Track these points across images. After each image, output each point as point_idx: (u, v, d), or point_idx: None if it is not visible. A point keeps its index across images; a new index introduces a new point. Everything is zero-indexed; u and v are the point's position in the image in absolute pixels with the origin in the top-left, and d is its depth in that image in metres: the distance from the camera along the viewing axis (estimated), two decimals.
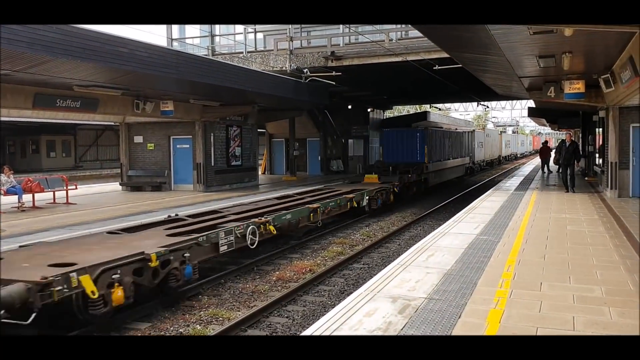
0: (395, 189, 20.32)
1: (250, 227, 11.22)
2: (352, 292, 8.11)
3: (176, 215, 12.16)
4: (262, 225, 11.61)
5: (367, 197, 17.83)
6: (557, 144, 29.46)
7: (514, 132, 78.82)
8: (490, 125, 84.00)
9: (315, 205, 14.20)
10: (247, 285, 10.31)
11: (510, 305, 5.69)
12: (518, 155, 73.36)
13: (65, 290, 6.76)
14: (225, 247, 10.48)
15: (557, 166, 19.59)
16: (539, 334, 4.86)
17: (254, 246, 11.26)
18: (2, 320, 6.02)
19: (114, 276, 7.61)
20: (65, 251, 8.36)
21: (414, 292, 6.22)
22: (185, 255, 9.10)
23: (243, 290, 10.06)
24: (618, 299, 5.85)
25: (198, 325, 8.18)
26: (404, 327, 5.07)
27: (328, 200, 15.17)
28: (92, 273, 7.21)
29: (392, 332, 4.95)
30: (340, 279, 10.81)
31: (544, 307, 5.58)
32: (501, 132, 61.10)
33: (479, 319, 5.25)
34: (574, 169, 17.30)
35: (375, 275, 7.80)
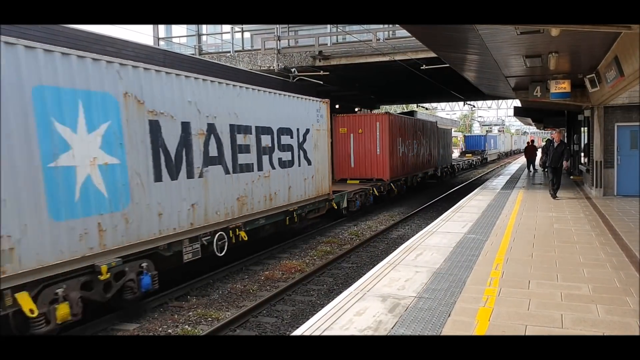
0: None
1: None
2: (341, 292, 8.12)
3: None
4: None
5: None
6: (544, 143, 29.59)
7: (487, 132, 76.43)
8: (475, 125, 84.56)
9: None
10: (236, 285, 10.29)
11: (499, 303, 5.73)
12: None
13: None
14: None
15: (544, 169, 17.49)
16: (528, 331, 4.90)
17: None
18: None
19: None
20: None
21: (403, 291, 6.25)
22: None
23: (232, 290, 10.04)
24: (605, 296, 5.91)
25: (187, 326, 8.15)
26: (394, 325, 5.09)
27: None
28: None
29: (382, 331, 4.96)
30: (329, 278, 10.82)
31: (533, 305, 5.63)
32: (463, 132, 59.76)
33: (468, 317, 5.29)
34: (561, 173, 15.25)
35: (364, 274, 7.82)
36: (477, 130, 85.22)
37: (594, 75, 12.58)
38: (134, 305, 8.57)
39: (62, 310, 6.85)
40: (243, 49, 23.89)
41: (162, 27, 26.00)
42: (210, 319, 8.45)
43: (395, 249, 9.79)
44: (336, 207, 16.12)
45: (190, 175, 9.40)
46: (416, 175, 25.15)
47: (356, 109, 34.86)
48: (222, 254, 10.21)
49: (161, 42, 25.04)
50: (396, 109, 58.73)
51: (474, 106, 57.01)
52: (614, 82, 10.60)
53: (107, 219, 7.62)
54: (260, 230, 12.33)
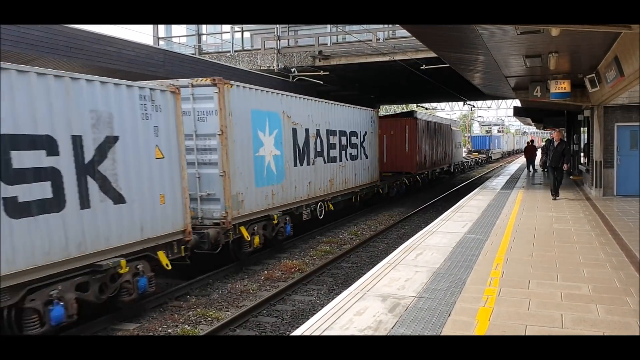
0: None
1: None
2: (341, 291, 8.12)
3: None
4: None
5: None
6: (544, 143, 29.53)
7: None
8: (475, 125, 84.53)
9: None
10: (235, 285, 10.28)
11: (499, 303, 5.73)
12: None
13: None
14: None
15: (544, 169, 17.04)
16: (528, 331, 4.90)
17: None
18: None
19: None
20: None
21: (403, 291, 6.25)
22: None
23: (232, 290, 10.03)
24: (605, 296, 5.91)
25: (187, 326, 8.15)
26: (394, 325, 5.09)
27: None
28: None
29: (382, 330, 4.96)
30: (329, 278, 10.82)
31: (533, 305, 5.63)
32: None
33: (468, 317, 5.29)
34: (562, 173, 14.99)
35: (364, 274, 7.82)
36: (476, 130, 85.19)
37: (594, 75, 12.58)
38: (278, 244, 13.11)
39: (256, 241, 11.51)
40: (243, 48, 23.89)
41: (162, 27, 26.00)
42: (210, 318, 8.45)
43: (395, 249, 9.79)
44: (380, 192, 20.40)
45: (308, 163, 14.24)
46: (434, 169, 28.80)
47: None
48: (322, 217, 15.13)
49: (161, 42, 25.04)
50: (396, 108, 58.69)
51: (473, 106, 57.00)
52: (614, 82, 10.60)
53: (275, 188, 12.48)
54: (339, 204, 16.73)
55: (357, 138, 18.16)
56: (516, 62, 11.92)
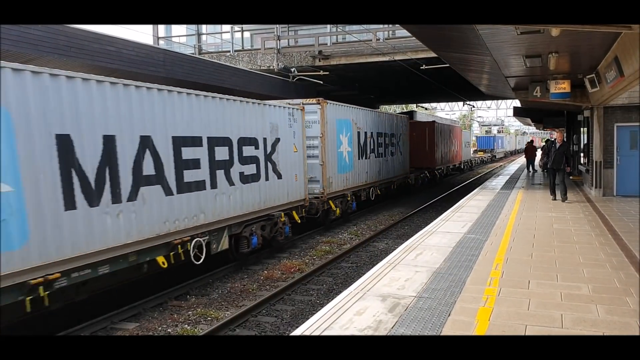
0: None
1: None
2: (340, 291, 8.12)
3: None
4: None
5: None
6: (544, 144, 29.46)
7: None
8: (475, 125, 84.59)
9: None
10: (235, 285, 10.28)
11: (499, 303, 5.73)
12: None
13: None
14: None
15: (544, 170, 16.43)
16: (528, 331, 4.90)
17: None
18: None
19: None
20: None
21: (403, 291, 6.25)
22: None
23: (231, 289, 10.03)
24: (605, 296, 5.91)
25: (186, 325, 8.15)
26: (394, 325, 5.09)
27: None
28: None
29: (382, 330, 4.96)
30: (328, 278, 10.82)
31: (533, 305, 5.63)
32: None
33: (468, 317, 5.29)
34: (564, 174, 14.53)
35: (364, 274, 7.82)
36: (476, 130, 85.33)
37: (593, 75, 12.58)
38: (347, 216, 17.74)
39: (337, 211, 16.10)
40: (243, 48, 23.88)
41: (161, 27, 25.98)
42: (209, 318, 8.45)
43: (395, 249, 9.79)
44: (409, 183, 25.13)
45: (366, 157, 18.87)
46: (449, 166, 33.67)
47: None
48: (373, 198, 19.74)
49: (161, 42, 25.03)
50: (395, 108, 58.69)
51: (473, 106, 57.09)
52: (613, 82, 10.60)
53: (348, 175, 17.06)
54: (382, 190, 21.10)
55: (395, 139, 22.95)
56: (516, 62, 11.92)
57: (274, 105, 12.52)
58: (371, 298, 5.98)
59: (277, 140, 12.53)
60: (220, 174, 10.31)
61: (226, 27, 24.72)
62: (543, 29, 8.26)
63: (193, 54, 23.08)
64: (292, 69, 21.06)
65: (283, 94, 21.03)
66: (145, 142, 8.39)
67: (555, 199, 14.63)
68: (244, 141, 11.14)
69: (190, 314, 8.68)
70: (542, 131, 70.30)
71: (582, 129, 20.58)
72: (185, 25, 24.54)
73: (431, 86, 25.29)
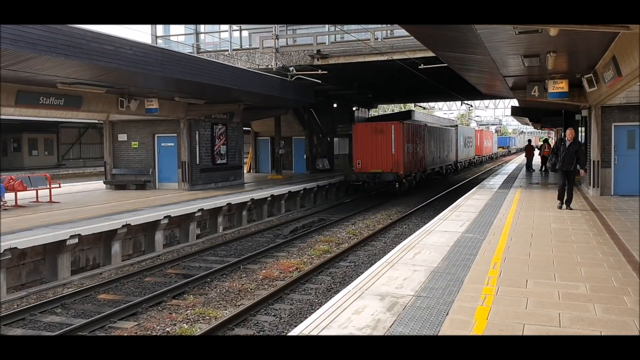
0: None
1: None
2: (339, 290, 8.13)
3: None
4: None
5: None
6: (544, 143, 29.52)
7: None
8: (473, 124, 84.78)
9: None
10: (233, 284, 10.29)
11: (497, 302, 5.75)
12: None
13: None
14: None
15: (551, 169, 14.18)
16: (526, 330, 4.92)
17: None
18: None
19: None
20: None
21: (401, 290, 6.26)
22: None
23: (229, 289, 10.04)
24: (602, 295, 5.93)
25: (185, 324, 8.16)
26: (392, 324, 5.10)
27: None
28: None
29: (381, 329, 4.97)
30: (327, 277, 10.84)
31: (530, 304, 5.65)
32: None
33: (466, 316, 5.30)
34: (574, 178, 12.84)
35: (362, 273, 7.83)
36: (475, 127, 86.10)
37: (591, 75, 12.59)
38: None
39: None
40: (241, 47, 23.87)
41: (160, 25, 25.93)
42: (208, 317, 8.46)
43: (393, 248, 9.80)
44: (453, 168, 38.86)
45: (466, 147, 42.05)
46: (473, 158, 48.22)
47: (354, 108, 34.92)
48: (466, 166, 43.35)
49: (159, 40, 25.01)
50: (393, 108, 58.72)
51: (471, 105, 57.28)
52: (611, 82, 10.62)
53: (460, 156, 40.03)
54: (464, 165, 43.10)
55: (468, 139, 40.73)
56: (514, 61, 11.94)
57: (454, 127, 33.33)
58: (369, 297, 5.99)
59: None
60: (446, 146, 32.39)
61: (224, 26, 24.71)
62: (541, 29, 8.27)
63: (191, 52, 23.06)
64: (291, 68, 21.06)
65: (282, 93, 21.06)
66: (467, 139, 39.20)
67: (562, 207, 12.69)
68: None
69: (189, 312, 8.69)
70: (540, 130, 70.69)
71: (579, 128, 20.62)
72: (183, 24, 24.52)
73: (429, 85, 25.31)
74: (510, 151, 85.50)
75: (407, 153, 23.87)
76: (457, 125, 41.87)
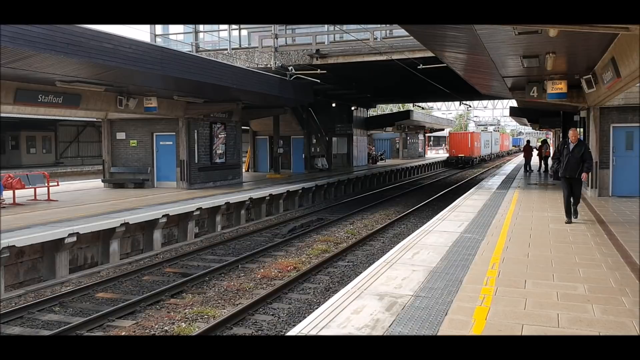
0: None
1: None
2: (337, 290, 8.14)
3: None
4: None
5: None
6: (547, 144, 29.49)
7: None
8: (471, 125, 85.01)
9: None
10: (232, 283, 10.29)
11: (496, 302, 5.76)
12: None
13: None
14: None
15: (554, 178, 11.97)
16: (524, 330, 4.93)
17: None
18: None
19: None
20: None
21: (400, 290, 6.26)
22: None
23: (228, 288, 10.04)
24: (601, 296, 5.94)
25: (183, 323, 8.15)
26: (391, 324, 5.10)
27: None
28: None
29: (379, 329, 4.98)
30: (325, 277, 10.83)
31: (529, 305, 5.66)
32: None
33: (465, 316, 5.31)
34: (580, 185, 10.97)
35: (360, 273, 7.83)
36: (472, 129, 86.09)
37: (590, 76, 12.61)
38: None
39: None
40: (240, 46, 23.86)
41: (159, 25, 25.90)
42: (206, 316, 8.45)
43: (391, 248, 9.80)
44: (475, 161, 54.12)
45: (485, 147, 58.58)
46: (490, 155, 63.69)
47: (352, 108, 34.93)
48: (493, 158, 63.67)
49: (158, 39, 24.98)
50: (392, 108, 58.75)
51: (469, 106, 57.62)
52: (610, 83, 10.63)
53: (484, 151, 58.29)
54: (492, 157, 65.34)
55: (496, 140, 66.47)
56: (513, 62, 11.94)
57: (491, 132, 54.18)
58: (368, 297, 6.00)
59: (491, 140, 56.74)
60: (488, 145, 58.59)
61: (223, 25, 24.69)
62: (541, 30, 8.28)
63: (190, 51, 23.05)
64: (290, 68, 21.04)
65: (281, 93, 21.04)
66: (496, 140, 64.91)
67: (570, 222, 10.77)
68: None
69: (187, 312, 8.68)
70: (538, 131, 71.32)
71: (578, 129, 20.64)
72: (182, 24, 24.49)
73: (428, 86, 25.31)
74: (520, 149, 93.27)
75: (474, 147, 50.68)
76: (492, 132, 68.65)
